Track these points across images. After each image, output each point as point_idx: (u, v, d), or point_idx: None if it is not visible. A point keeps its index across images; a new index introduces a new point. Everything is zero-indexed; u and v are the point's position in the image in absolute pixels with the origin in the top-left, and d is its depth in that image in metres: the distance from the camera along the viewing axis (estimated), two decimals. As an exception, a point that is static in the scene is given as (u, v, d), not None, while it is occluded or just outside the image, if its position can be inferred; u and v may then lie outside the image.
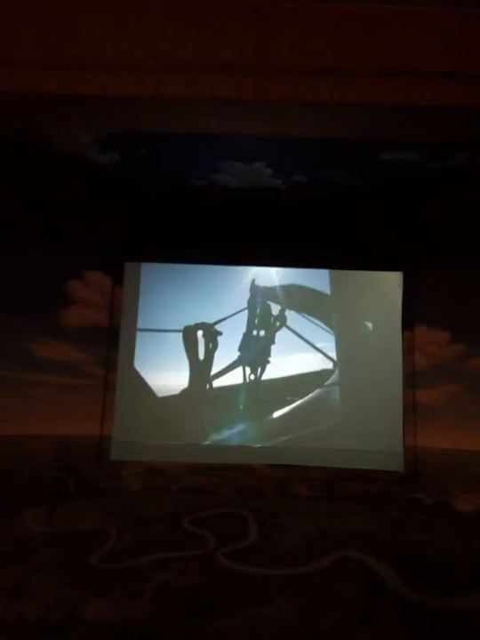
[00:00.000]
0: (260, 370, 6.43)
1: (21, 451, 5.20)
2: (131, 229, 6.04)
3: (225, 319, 6.50)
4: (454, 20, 2.86)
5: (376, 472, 5.85)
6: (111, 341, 6.10)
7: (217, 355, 6.50)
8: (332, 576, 3.62)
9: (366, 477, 5.79)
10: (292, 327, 6.49)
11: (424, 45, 2.86)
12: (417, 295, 6.12)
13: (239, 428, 6.22)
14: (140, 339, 6.38)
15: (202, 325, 6.47)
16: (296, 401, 6.32)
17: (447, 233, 5.84)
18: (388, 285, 6.37)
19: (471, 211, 5.62)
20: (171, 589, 3.34)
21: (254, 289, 6.54)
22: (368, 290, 6.47)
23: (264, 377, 6.42)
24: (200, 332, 6.48)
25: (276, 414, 6.28)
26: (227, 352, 6.49)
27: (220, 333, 6.48)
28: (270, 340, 6.50)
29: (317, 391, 6.37)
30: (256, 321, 6.56)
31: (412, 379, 6.00)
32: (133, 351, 6.29)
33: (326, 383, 6.40)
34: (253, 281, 6.52)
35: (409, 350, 6.07)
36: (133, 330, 6.33)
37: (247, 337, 6.53)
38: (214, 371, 6.46)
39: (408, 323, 6.14)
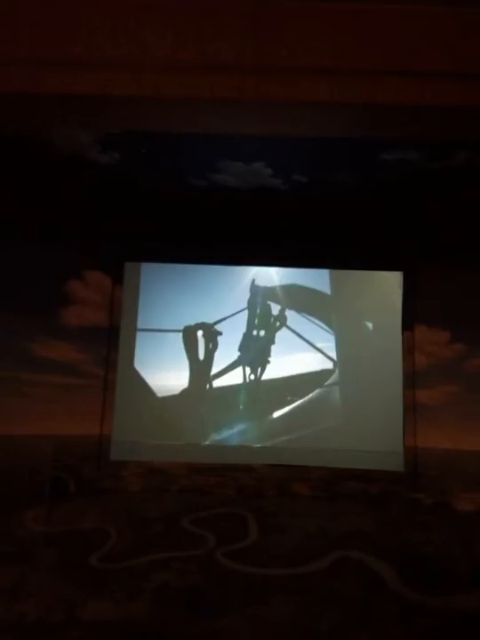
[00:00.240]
0: (259, 370, 6.43)
1: (21, 450, 5.20)
2: (131, 229, 6.04)
3: (225, 319, 6.50)
4: (454, 19, 2.86)
5: (376, 472, 5.84)
6: (111, 341, 6.09)
7: (217, 355, 6.49)
8: (332, 576, 3.63)
9: (366, 477, 5.79)
10: (292, 327, 6.49)
11: (424, 45, 2.86)
12: (417, 295, 6.12)
13: (239, 427, 6.22)
14: (140, 339, 6.38)
15: (202, 325, 6.47)
16: (296, 401, 6.32)
17: (447, 233, 5.84)
18: (388, 285, 6.38)
19: (471, 211, 5.62)
20: (170, 589, 3.34)
21: (254, 289, 6.53)
22: (368, 290, 6.47)
23: (264, 377, 6.42)
24: (200, 332, 6.48)
25: (276, 414, 6.28)
26: (227, 352, 6.49)
27: (220, 333, 6.48)
28: (270, 339, 6.50)
29: (317, 391, 6.37)
30: (256, 321, 6.55)
31: (412, 379, 6.00)
32: (133, 351, 6.29)
33: (326, 383, 6.40)
34: (253, 281, 6.52)
35: (409, 350, 6.07)
36: (133, 330, 6.34)
37: (247, 337, 6.53)
38: (214, 371, 6.45)
39: (408, 323, 6.13)
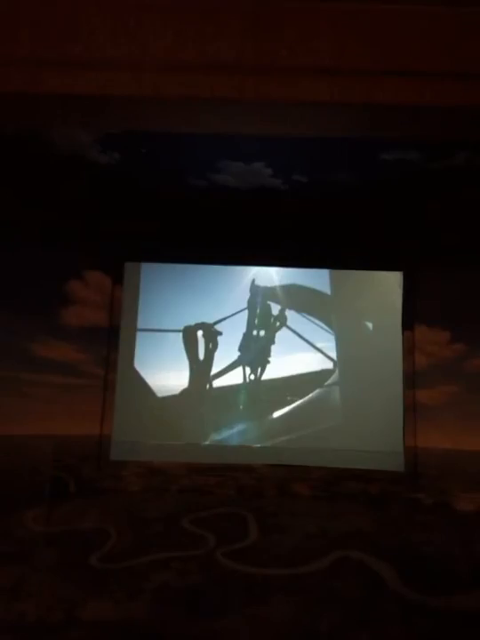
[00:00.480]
0: (259, 370, 6.43)
1: (21, 450, 5.20)
2: (131, 229, 6.04)
3: (225, 319, 6.50)
4: (454, 19, 2.86)
5: (376, 472, 5.84)
6: (111, 341, 6.10)
7: (217, 355, 6.49)
8: (332, 576, 3.63)
9: (366, 477, 5.79)
10: (292, 327, 6.49)
11: (424, 45, 2.86)
12: (417, 295, 6.12)
13: (239, 427, 6.22)
14: (140, 339, 6.38)
15: (202, 325, 6.47)
16: (296, 401, 6.32)
17: (447, 233, 5.84)
18: (388, 285, 6.38)
19: (471, 210, 5.62)
20: (170, 589, 3.34)
21: (254, 289, 6.53)
22: (368, 290, 6.48)
23: (264, 377, 6.42)
24: (200, 332, 6.47)
25: (276, 414, 6.28)
26: (227, 352, 6.49)
27: (220, 333, 6.48)
28: (270, 339, 6.50)
29: (317, 391, 6.37)
30: (256, 321, 6.55)
31: (412, 379, 6.00)
32: (133, 351, 6.29)
33: (326, 383, 6.40)
34: (253, 281, 6.52)
35: (409, 350, 6.07)
36: (133, 330, 6.34)
37: (247, 337, 6.53)
38: (214, 371, 6.45)
39: (408, 322, 6.14)
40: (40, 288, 5.83)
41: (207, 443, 6.13)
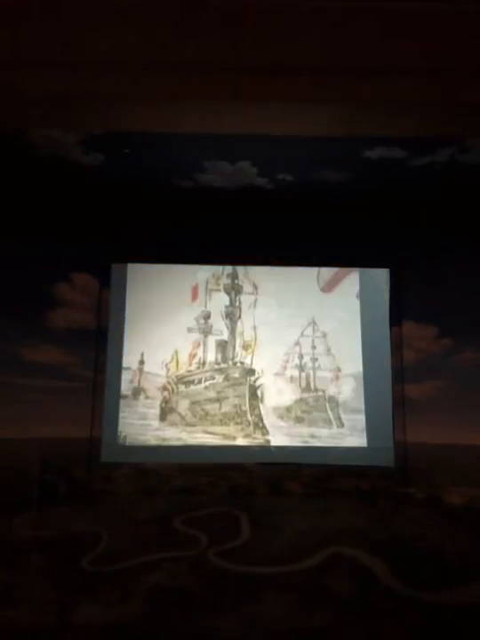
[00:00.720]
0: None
1: (11, 454, 5.16)
2: (117, 231, 6.02)
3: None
4: (437, 16, 2.87)
5: (367, 468, 5.88)
6: (99, 343, 6.07)
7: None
8: (325, 573, 3.63)
9: (357, 473, 5.82)
10: (282, 323, 6.49)
11: (407, 43, 2.87)
12: (404, 291, 6.16)
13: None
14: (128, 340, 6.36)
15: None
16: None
17: (433, 229, 5.88)
18: (378, 281, 6.40)
19: (456, 207, 5.66)
20: (163, 591, 3.33)
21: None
22: (356, 285, 6.51)
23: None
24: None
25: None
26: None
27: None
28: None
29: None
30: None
31: (400, 374, 6.04)
32: (121, 352, 6.26)
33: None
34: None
35: (397, 345, 6.11)
36: (121, 331, 6.30)
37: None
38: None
39: (395, 318, 6.17)
40: (27, 291, 5.78)
41: (198, 443, 6.11)
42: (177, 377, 6.35)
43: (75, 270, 6.07)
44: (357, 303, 6.48)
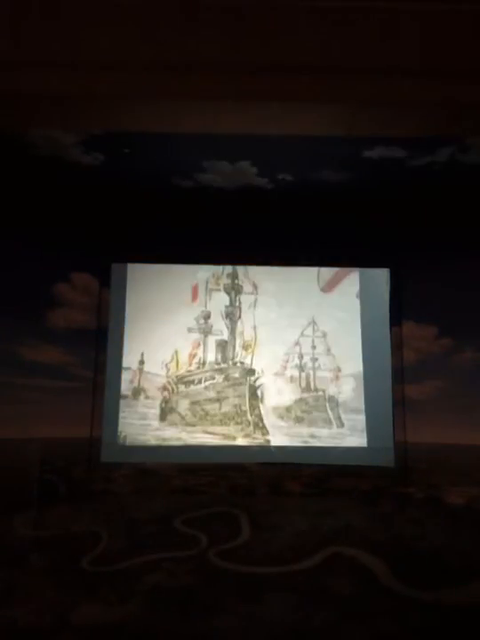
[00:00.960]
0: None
1: (11, 454, 5.15)
2: (117, 231, 6.01)
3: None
4: (437, 16, 2.87)
5: (367, 468, 5.87)
6: (99, 343, 6.07)
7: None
8: (325, 572, 3.63)
9: (357, 473, 5.82)
10: (282, 323, 6.49)
11: (406, 42, 2.87)
12: (404, 291, 6.16)
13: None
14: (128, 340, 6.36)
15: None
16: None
17: (433, 228, 5.88)
18: (378, 281, 6.40)
19: (456, 206, 5.66)
20: (163, 591, 3.33)
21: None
22: (356, 285, 6.51)
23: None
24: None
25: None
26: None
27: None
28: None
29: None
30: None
31: (400, 374, 6.04)
32: (121, 353, 6.26)
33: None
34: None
35: (397, 345, 6.11)
36: (121, 331, 6.30)
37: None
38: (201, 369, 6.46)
39: (396, 318, 6.17)
40: (27, 291, 5.78)
41: (198, 443, 6.11)
42: (177, 377, 6.34)
43: (75, 270, 6.07)
44: (357, 303, 6.47)
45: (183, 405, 6.27)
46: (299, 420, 6.20)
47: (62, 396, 5.78)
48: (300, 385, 6.35)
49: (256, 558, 3.86)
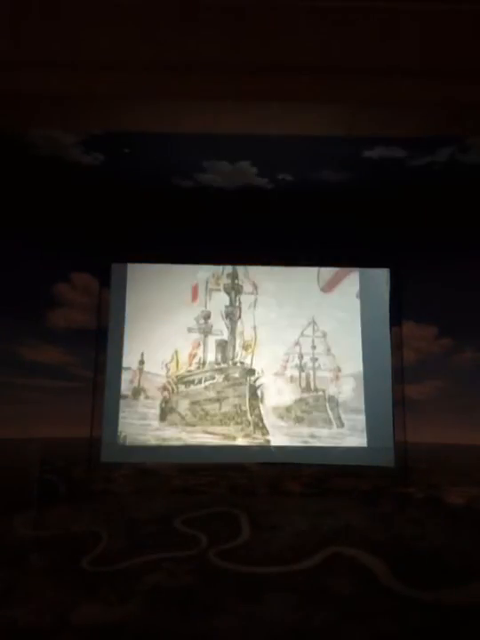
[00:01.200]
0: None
1: (11, 454, 5.15)
2: (117, 230, 6.01)
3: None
4: (435, 16, 2.87)
5: (367, 468, 5.87)
6: (99, 343, 6.07)
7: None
8: (325, 573, 3.63)
9: (357, 473, 5.82)
10: (283, 323, 6.49)
11: (406, 42, 2.87)
12: (404, 291, 6.16)
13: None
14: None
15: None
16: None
17: (433, 228, 5.88)
18: (378, 281, 6.40)
19: (456, 206, 5.66)
20: (163, 591, 3.32)
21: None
22: (356, 285, 6.51)
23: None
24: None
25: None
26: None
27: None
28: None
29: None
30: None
31: (400, 374, 6.04)
32: (121, 352, 6.26)
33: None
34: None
35: (397, 345, 6.11)
36: (121, 331, 6.30)
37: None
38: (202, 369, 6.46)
39: (395, 318, 6.17)
40: (27, 291, 5.78)
41: (198, 443, 6.11)
42: (177, 377, 6.34)
43: (75, 270, 6.07)
44: (357, 303, 6.47)
45: (183, 405, 6.27)
46: (299, 419, 6.20)
47: (62, 396, 5.78)
48: (299, 385, 6.34)
49: (256, 558, 3.86)
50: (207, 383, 6.36)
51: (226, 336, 6.48)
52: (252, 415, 6.21)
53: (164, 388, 6.29)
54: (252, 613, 3.04)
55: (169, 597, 3.24)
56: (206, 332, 6.47)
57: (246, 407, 6.25)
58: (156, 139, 4.64)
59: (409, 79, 2.92)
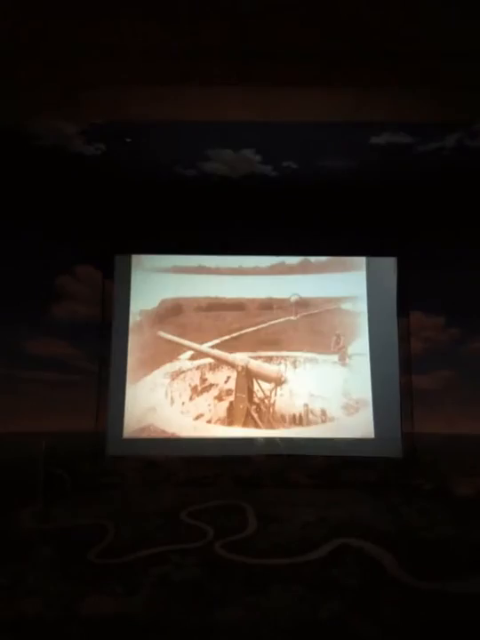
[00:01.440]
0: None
1: (17, 448, 5.17)
2: (120, 221, 5.98)
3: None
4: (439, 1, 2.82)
5: (374, 459, 5.85)
6: (104, 336, 6.05)
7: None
8: (332, 564, 3.61)
9: (364, 464, 5.80)
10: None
11: (410, 27, 2.82)
12: (411, 281, 6.10)
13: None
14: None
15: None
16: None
17: (440, 218, 5.81)
18: (385, 271, 6.35)
19: (465, 194, 5.59)
20: (169, 583, 3.32)
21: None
22: (363, 276, 6.46)
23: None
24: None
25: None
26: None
27: None
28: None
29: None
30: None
31: (408, 364, 6.00)
32: (126, 345, 6.23)
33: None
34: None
35: (404, 336, 6.06)
36: (125, 323, 6.27)
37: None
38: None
39: (403, 309, 6.12)
40: (30, 284, 5.76)
41: (204, 435, 6.10)
42: (183, 369, 6.33)
43: (78, 262, 6.03)
44: (365, 293, 6.42)
45: (189, 397, 6.26)
46: (305, 411, 6.17)
47: (67, 390, 5.78)
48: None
49: (263, 550, 3.85)
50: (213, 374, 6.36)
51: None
52: (258, 406, 6.20)
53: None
54: (259, 605, 3.03)
55: (175, 589, 3.23)
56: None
57: (253, 398, 6.23)
58: (159, 127, 4.59)
59: (414, 64, 2.87)
